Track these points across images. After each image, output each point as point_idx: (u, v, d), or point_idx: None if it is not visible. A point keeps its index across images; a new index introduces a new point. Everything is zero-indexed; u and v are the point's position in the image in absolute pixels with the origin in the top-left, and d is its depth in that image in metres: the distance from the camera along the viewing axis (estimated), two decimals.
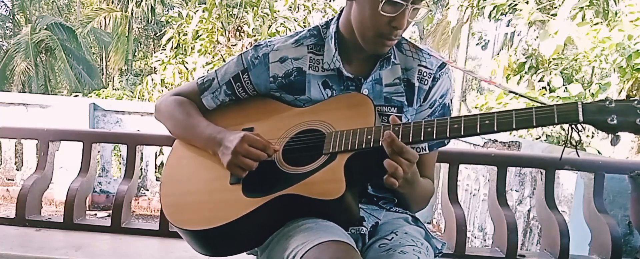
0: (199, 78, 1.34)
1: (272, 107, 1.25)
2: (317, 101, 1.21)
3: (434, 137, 1.03)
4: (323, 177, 1.06)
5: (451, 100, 1.29)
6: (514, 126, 0.97)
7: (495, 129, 0.98)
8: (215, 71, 1.32)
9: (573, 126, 0.96)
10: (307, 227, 1.03)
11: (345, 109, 1.16)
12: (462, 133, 1.01)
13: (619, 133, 0.95)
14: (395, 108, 1.22)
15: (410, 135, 1.04)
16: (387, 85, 1.22)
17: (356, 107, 1.15)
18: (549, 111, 0.95)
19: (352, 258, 0.95)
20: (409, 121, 1.22)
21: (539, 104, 1.00)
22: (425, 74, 1.22)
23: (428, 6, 1.12)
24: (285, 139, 1.17)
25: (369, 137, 1.06)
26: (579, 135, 0.96)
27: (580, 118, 0.93)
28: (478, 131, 1.00)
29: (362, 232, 1.16)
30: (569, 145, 0.99)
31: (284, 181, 1.09)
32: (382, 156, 1.07)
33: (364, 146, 1.06)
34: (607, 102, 0.94)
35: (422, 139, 1.04)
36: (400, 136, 1.04)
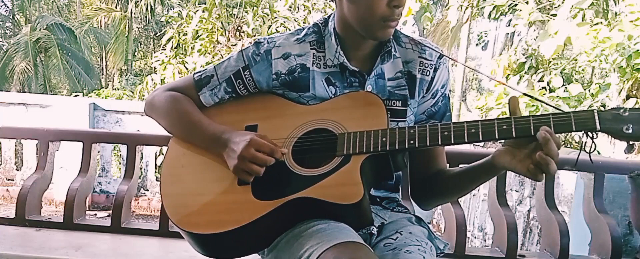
0: (195, 73, 1.28)
1: (275, 104, 1.21)
2: (322, 98, 1.19)
3: (452, 141, 1.01)
4: (339, 180, 1.03)
5: (449, 91, 1.29)
6: (531, 132, 0.97)
7: (514, 134, 0.98)
8: (214, 67, 1.27)
9: (588, 133, 0.96)
10: (320, 228, 1.01)
11: (355, 109, 1.13)
12: (481, 137, 1.00)
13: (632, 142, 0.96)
14: (400, 102, 1.21)
15: (427, 139, 1.03)
16: (390, 79, 1.21)
17: (367, 107, 1.12)
18: (566, 118, 0.96)
19: None
20: (412, 113, 1.22)
21: (556, 110, 0.99)
22: (426, 65, 1.22)
23: None
24: (293, 139, 1.14)
25: (384, 139, 1.05)
26: (594, 143, 0.97)
27: (598, 126, 0.94)
28: (496, 136, 0.99)
29: (372, 232, 1.15)
30: (585, 151, 0.99)
31: (296, 183, 1.06)
32: (394, 158, 1.06)
33: (379, 149, 1.04)
34: (622, 111, 0.94)
35: (439, 142, 1.03)
36: (416, 139, 1.03)
